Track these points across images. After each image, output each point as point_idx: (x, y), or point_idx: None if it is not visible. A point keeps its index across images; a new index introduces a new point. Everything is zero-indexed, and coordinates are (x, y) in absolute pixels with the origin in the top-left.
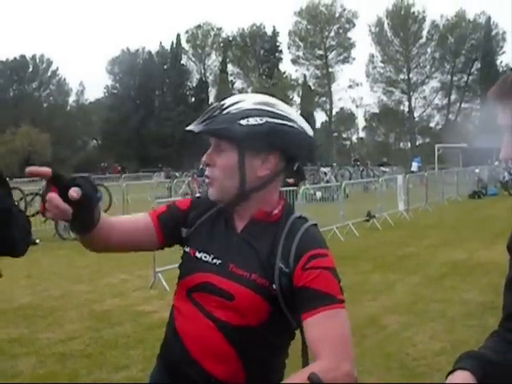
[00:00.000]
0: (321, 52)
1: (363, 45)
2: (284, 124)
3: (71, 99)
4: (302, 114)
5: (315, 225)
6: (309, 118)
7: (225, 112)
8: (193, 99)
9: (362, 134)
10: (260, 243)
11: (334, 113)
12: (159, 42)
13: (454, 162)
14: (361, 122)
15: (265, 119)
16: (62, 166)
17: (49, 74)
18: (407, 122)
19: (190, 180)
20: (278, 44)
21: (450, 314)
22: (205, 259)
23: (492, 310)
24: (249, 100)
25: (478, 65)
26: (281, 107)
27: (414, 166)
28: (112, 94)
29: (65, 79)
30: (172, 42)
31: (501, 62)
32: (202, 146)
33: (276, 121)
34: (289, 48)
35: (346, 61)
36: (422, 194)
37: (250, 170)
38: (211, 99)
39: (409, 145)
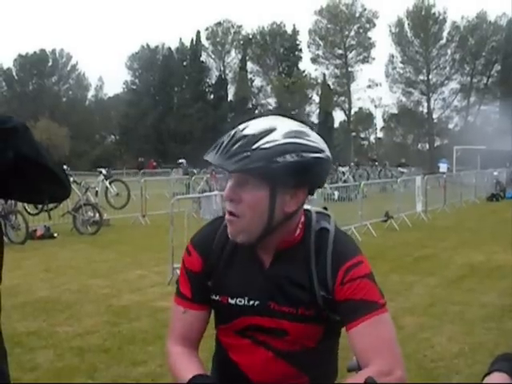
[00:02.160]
0: (340, 51)
1: (383, 45)
2: (316, 157)
3: (90, 94)
4: (320, 113)
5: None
6: (327, 117)
7: (257, 146)
8: (212, 96)
9: (380, 135)
10: (292, 273)
11: (352, 112)
12: (179, 38)
13: (472, 164)
14: (379, 123)
15: (300, 155)
16: (80, 160)
17: (68, 68)
18: (426, 123)
19: (209, 177)
20: (297, 42)
21: (469, 317)
22: (240, 303)
23: (511, 314)
24: (280, 129)
25: (498, 67)
26: (312, 137)
27: (443, 167)
28: (131, 90)
29: (84, 74)
30: (192, 39)
31: None
32: None
33: (310, 155)
34: (308, 47)
35: (365, 60)
36: (439, 195)
37: (279, 207)
38: (230, 96)
39: (427, 146)
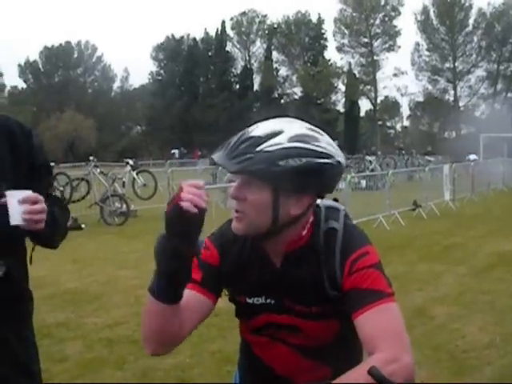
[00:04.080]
0: (366, 40)
1: (409, 33)
2: (323, 163)
3: (116, 85)
4: (346, 102)
5: (346, 215)
6: (353, 106)
7: (260, 148)
8: (237, 86)
9: (406, 123)
10: (302, 274)
11: (378, 101)
12: (204, 28)
13: (499, 152)
14: (405, 111)
15: (304, 160)
16: (106, 151)
17: (94, 59)
18: (452, 111)
19: None
20: (323, 31)
21: (499, 306)
22: (257, 302)
23: None
24: (287, 133)
25: None
26: (321, 142)
27: (473, 157)
28: (156, 81)
29: (110, 65)
30: (217, 29)
31: None
32: None
33: (316, 160)
34: (334, 36)
35: (391, 49)
36: (467, 183)
37: (284, 209)
38: (255, 86)
39: (453, 134)
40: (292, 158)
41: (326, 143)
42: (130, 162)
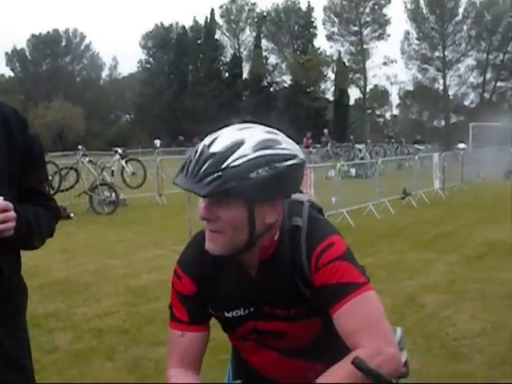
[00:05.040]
0: (356, 28)
1: (398, 22)
2: (291, 165)
3: (104, 73)
4: (335, 91)
5: (311, 206)
6: (343, 94)
7: (226, 164)
8: (226, 74)
9: (395, 112)
10: (277, 278)
11: (367, 89)
12: (193, 16)
13: (489, 141)
14: (395, 100)
15: (274, 166)
16: (95, 139)
17: (82, 48)
18: (441, 100)
19: None
20: (312, 20)
21: (490, 294)
22: (237, 315)
23: None
24: (248, 142)
25: None
26: (282, 143)
27: (462, 146)
28: (145, 69)
29: (98, 53)
30: (206, 17)
31: None
32: (236, 122)
33: (283, 164)
34: (323, 24)
35: (380, 37)
36: (457, 172)
37: (259, 220)
38: (245, 74)
39: (442, 123)
40: (262, 168)
41: (286, 143)
42: (119, 150)
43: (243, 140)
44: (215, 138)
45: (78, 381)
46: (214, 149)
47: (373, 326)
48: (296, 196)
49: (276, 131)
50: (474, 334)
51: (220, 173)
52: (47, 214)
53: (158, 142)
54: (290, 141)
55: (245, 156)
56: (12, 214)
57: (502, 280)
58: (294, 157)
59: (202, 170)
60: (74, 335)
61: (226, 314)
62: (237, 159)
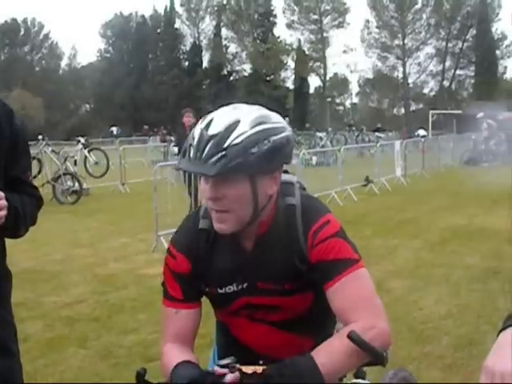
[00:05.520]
0: (316, 17)
1: (358, 10)
2: (285, 137)
3: (63, 63)
4: (295, 79)
5: (300, 187)
6: (303, 83)
7: (228, 143)
8: (186, 63)
9: (355, 100)
10: (272, 253)
11: (327, 78)
12: (153, 5)
13: (448, 129)
14: (354, 88)
15: (271, 140)
16: (55, 129)
17: (41, 37)
18: (401, 88)
19: None
20: (272, 8)
21: (454, 279)
22: (229, 291)
23: (495, 275)
24: (244, 120)
25: (473, 31)
26: (273, 118)
27: (422, 133)
28: (105, 58)
29: (57, 43)
30: (166, 6)
31: (496, 29)
32: (196, 110)
33: (279, 136)
34: (283, 12)
35: (340, 26)
36: (418, 159)
37: (262, 192)
38: (205, 63)
39: (402, 111)
40: (261, 142)
41: (275, 118)
42: (82, 140)
43: (238, 119)
44: (210, 121)
45: (51, 369)
46: (213, 130)
47: (366, 301)
48: (285, 177)
49: (262, 107)
50: (441, 317)
51: (224, 152)
52: (31, 203)
53: (114, 130)
54: (278, 115)
55: (244, 133)
56: (3, 202)
57: (465, 264)
58: (285, 129)
59: (206, 151)
60: (44, 324)
61: (219, 291)
62: (237, 137)
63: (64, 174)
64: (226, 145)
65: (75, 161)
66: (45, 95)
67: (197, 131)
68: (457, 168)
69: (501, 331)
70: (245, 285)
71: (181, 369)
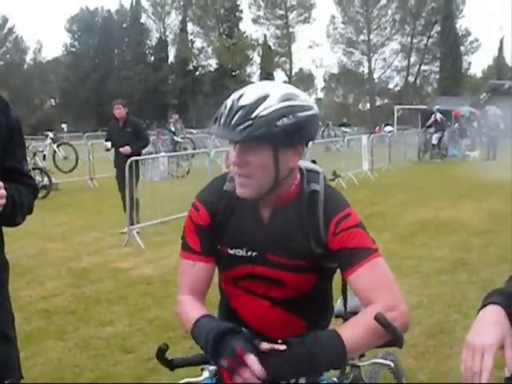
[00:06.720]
0: (281, 12)
1: (324, 5)
2: (310, 115)
3: (28, 57)
4: (261, 74)
5: (324, 178)
6: (268, 78)
7: (256, 114)
8: (152, 58)
9: (320, 95)
10: (289, 228)
11: (293, 73)
12: (119, 0)
13: (414, 124)
14: (320, 83)
15: (296, 115)
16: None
17: (5, 31)
18: (366, 83)
19: (155, 138)
20: (238, 3)
21: (424, 270)
22: (238, 254)
23: (463, 266)
24: (273, 95)
25: (437, 28)
26: (301, 96)
27: (389, 129)
28: (70, 53)
29: (22, 37)
30: (132, 1)
31: (460, 26)
32: (162, 105)
33: (304, 114)
34: (249, 7)
35: (306, 21)
36: (384, 154)
37: (283, 163)
38: (171, 58)
39: (368, 106)
40: (286, 117)
41: (304, 96)
42: (51, 134)
43: (268, 93)
44: (242, 94)
45: (31, 361)
46: (243, 102)
47: (387, 285)
48: (313, 166)
49: (292, 86)
50: (412, 307)
51: (251, 121)
52: (28, 192)
53: (64, 127)
54: (305, 94)
55: (271, 106)
56: (2, 191)
57: (434, 257)
58: (311, 108)
59: (235, 119)
60: (21, 317)
61: (229, 251)
62: (264, 109)
63: (33, 169)
64: (253, 115)
65: (44, 155)
66: (9, 90)
67: (229, 101)
68: (422, 162)
69: (480, 309)
70: (254, 253)
71: (204, 321)
